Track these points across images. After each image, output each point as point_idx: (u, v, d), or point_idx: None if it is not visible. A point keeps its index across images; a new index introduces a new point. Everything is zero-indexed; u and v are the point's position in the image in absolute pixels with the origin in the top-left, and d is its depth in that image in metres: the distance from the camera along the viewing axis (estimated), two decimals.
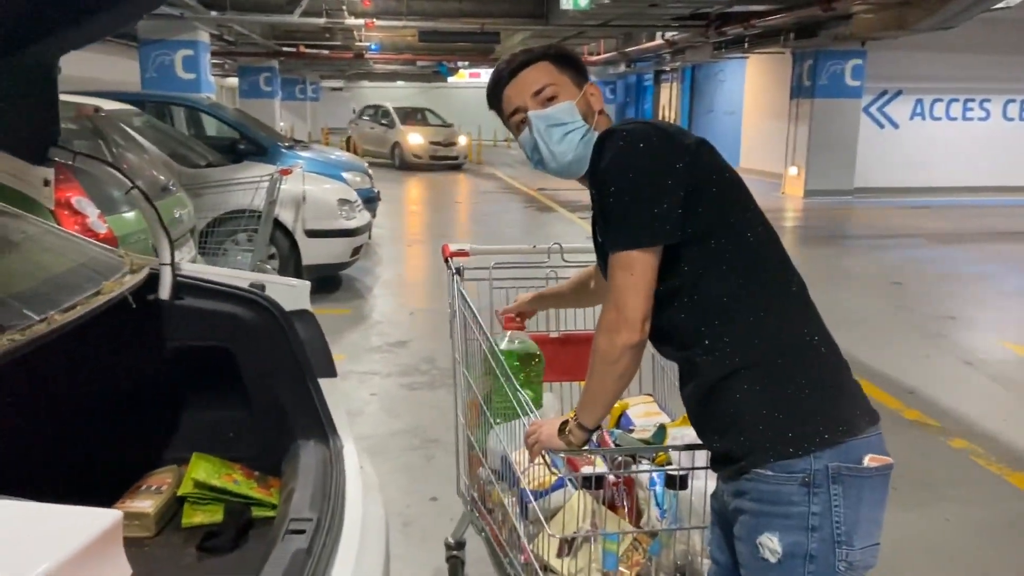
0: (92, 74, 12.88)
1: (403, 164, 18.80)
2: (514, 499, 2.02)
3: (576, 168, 1.59)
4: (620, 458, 2.07)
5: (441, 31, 13.50)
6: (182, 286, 2.06)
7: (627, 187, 1.42)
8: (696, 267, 1.44)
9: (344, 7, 10.07)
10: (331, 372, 2.16)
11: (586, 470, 1.89)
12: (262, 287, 2.10)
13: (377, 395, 4.55)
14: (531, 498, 1.87)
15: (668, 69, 22.89)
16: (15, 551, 0.85)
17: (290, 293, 2.15)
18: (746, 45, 14.95)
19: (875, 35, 12.25)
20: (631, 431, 2.32)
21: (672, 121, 24.15)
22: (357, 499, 1.90)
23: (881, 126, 15.02)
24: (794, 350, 1.42)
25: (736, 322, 1.42)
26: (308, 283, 2.21)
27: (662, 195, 1.40)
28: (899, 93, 14.95)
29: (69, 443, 2.01)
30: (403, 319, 6.11)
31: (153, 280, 2.03)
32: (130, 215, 3.87)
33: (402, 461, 3.72)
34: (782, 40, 13.69)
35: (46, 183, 2.02)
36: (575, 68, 1.64)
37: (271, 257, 6.19)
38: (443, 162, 18.89)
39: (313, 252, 6.35)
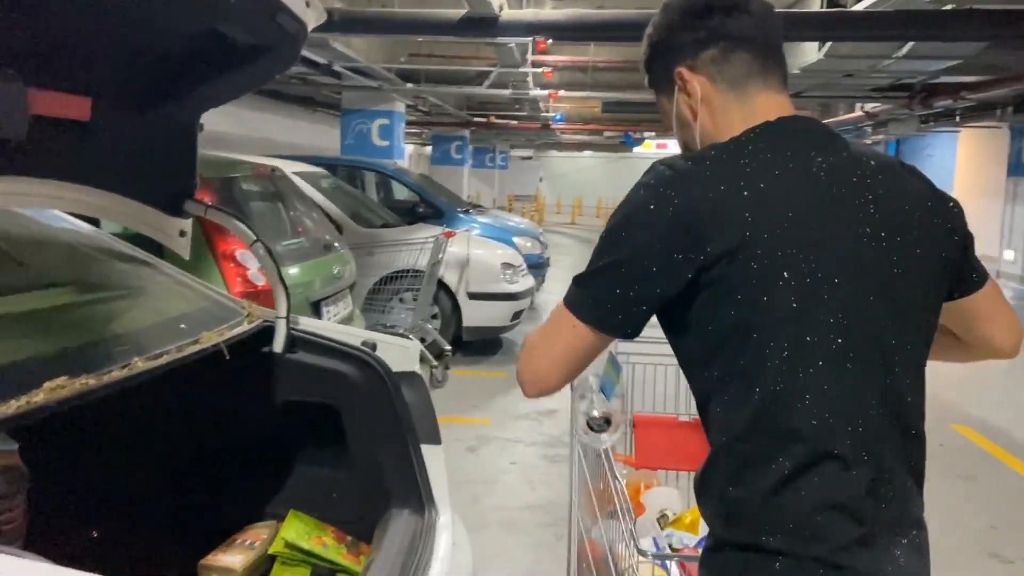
0: (299, 140, 14.08)
1: None
2: None
3: None
4: None
5: (624, 102, 13.57)
6: (296, 340, 2.07)
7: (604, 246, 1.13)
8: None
9: (529, 79, 10.37)
10: (435, 439, 2.07)
11: None
12: (373, 346, 2.07)
13: (517, 464, 4.43)
14: None
15: (870, 142, 21.73)
16: None
17: (401, 354, 2.10)
18: (957, 118, 13.85)
19: None
20: None
21: None
22: None
23: None
24: None
25: None
26: (419, 344, 2.16)
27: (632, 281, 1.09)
28: None
29: (175, 489, 2.05)
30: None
31: (268, 333, 2.05)
32: (294, 270, 4.06)
33: (533, 538, 3.56)
34: (998, 114, 12.56)
35: (182, 234, 2.11)
36: (660, 73, 1.26)
37: (433, 317, 6.31)
38: None
39: (475, 314, 6.41)
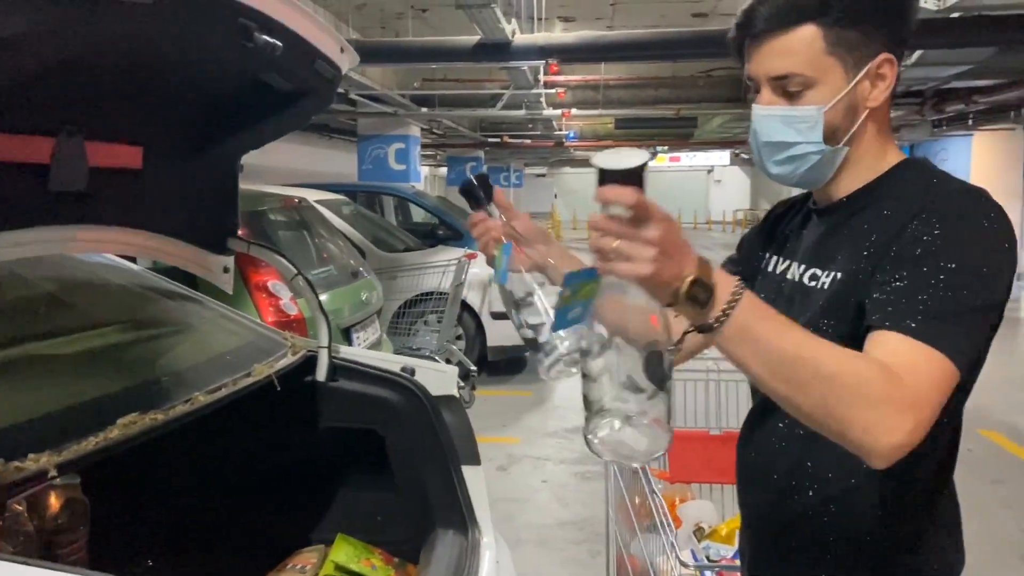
0: (318, 168, 14.25)
1: None
2: None
3: (803, 184, 1.18)
4: None
5: (636, 118, 13.67)
6: (338, 368, 2.14)
7: (980, 287, 0.99)
8: None
9: (542, 99, 10.48)
10: (475, 460, 2.14)
11: None
12: (412, 371, 2.14)
13: (548, 482, 4.48)
14: None
15: None
16: None
17: (439, 378, 2.17)
18: (970, 122, 13.83)
19: None
20: None
21: None
22: None
23: None
24: None
25: None
26: (456, 369, 2.23)
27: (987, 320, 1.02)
28: None
29: (224, 517, 2.12)
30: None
31: (311, 362, 2.13)
32: (324, 298, 4.15)
33: (567, 554, 3.61)
34: (1012, 116, 12.54)
35: (225, 270, 2.20)
36: (863, 38, 1.06)
37: (458, 338, 6.39)
38: None
39: (498, 334, 6.48)
